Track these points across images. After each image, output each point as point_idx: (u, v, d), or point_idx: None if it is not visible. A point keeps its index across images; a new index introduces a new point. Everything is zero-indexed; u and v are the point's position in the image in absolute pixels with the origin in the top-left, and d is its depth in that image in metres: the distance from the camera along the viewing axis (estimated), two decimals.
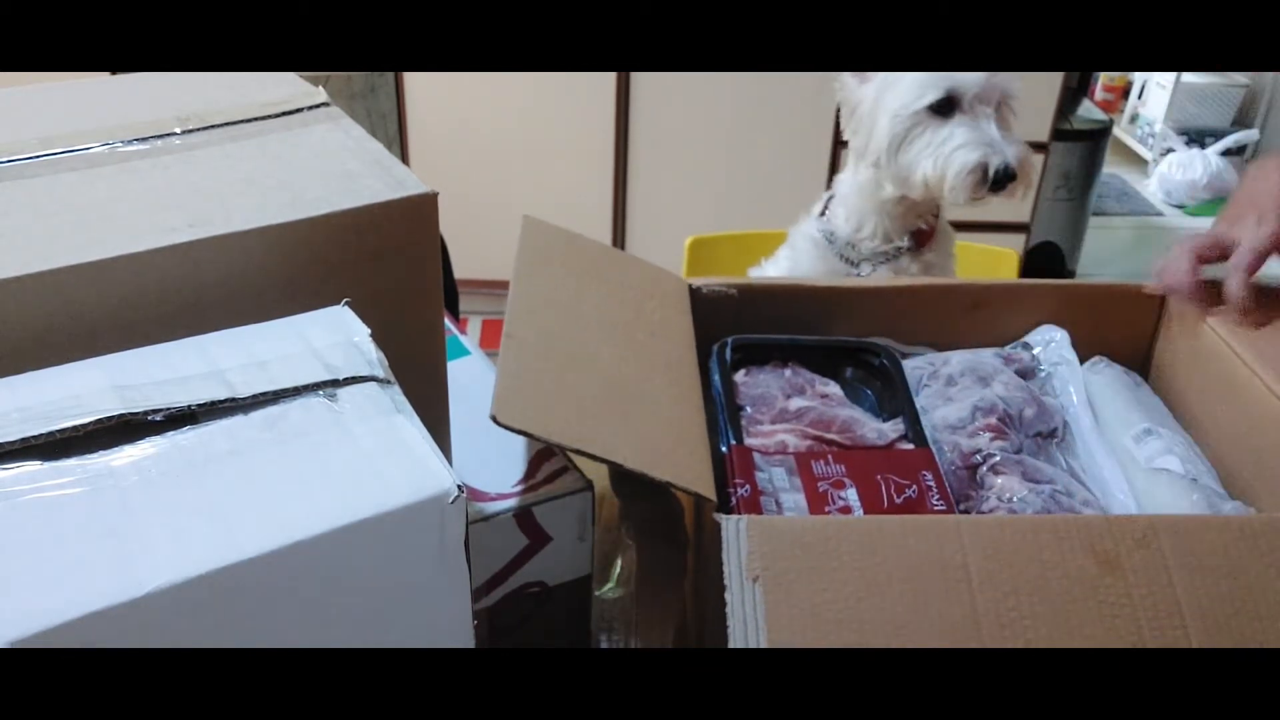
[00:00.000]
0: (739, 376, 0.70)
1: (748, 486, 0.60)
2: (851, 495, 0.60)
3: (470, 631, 0.46)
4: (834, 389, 0.71)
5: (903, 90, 0.92)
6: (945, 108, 0.90)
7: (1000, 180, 0.89)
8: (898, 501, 0.60)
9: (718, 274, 0.79)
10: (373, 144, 0.62)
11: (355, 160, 0.60)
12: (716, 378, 0.68)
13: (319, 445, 0.42)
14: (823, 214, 1.02)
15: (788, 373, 0.71)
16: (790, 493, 0.60)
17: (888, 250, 0.97)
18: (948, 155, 0.90)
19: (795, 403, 0.67)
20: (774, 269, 1.08)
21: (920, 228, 0.98)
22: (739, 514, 0.52)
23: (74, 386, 0.43)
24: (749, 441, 0.64)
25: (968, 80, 0.89)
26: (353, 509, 0.39)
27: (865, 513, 0.59)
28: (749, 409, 0.67)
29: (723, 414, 0.65)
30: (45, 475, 0.39)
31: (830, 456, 0.63)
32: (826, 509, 0.59)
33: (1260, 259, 0.68)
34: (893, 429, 0.66)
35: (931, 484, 0.61)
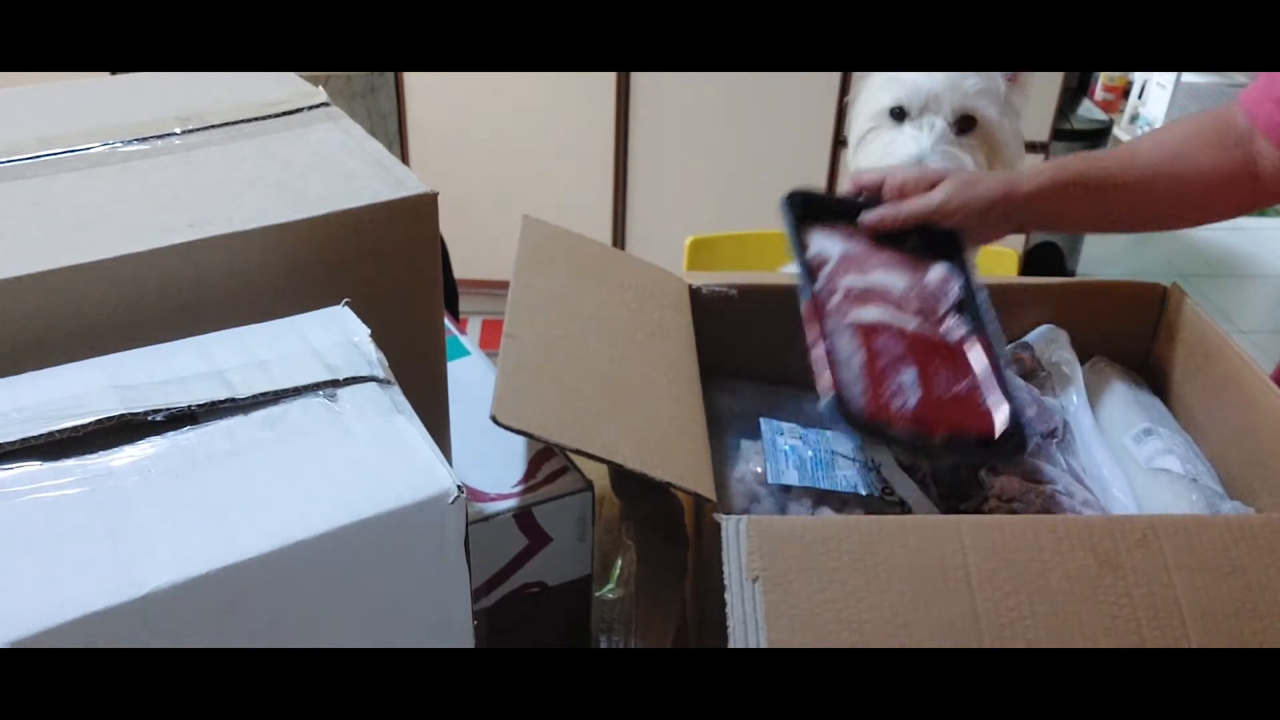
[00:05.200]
0: (816, 232, 0.70)
1: (821, 345, 0.60)
2: (909, 377, 0.60)
3: (470, 631, 0.46)
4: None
5: (869, 92, 0.94)
6: (899, 114, 0.91)
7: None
8: (951, 393, 0.60)
9: (717, 274, 0.79)
10: (373, 144, 0.62)
11: (355, 160, 0.60)
12: (790, 230, 0.68)
13: (319, 445, 0.42)
14: None
15: (864, 241, 0.71)
16: (851, 364, 0.60)
17: None
18: (873, 160, 0.91)
19: (869, 274, 0.67)
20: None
21: None
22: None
23: (74, 386, 0.43)
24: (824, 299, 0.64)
25: (915, 90, 0.90)
26: (353, 509, 0.39)
27: (922, 397, 0.59)
28: (827, 266, 0.67)
29: (802, 264, 0.65)
30: (45, 475, 0.39)
31: (894, 334, 0.62)
32: (882, 388, 0.59)
33: (906, 223, 0.72)
34: (957, 326, 0.65)
35: (983, 381, 0.61)
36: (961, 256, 0.70)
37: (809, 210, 0.71)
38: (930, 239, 0.72)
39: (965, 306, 0.66)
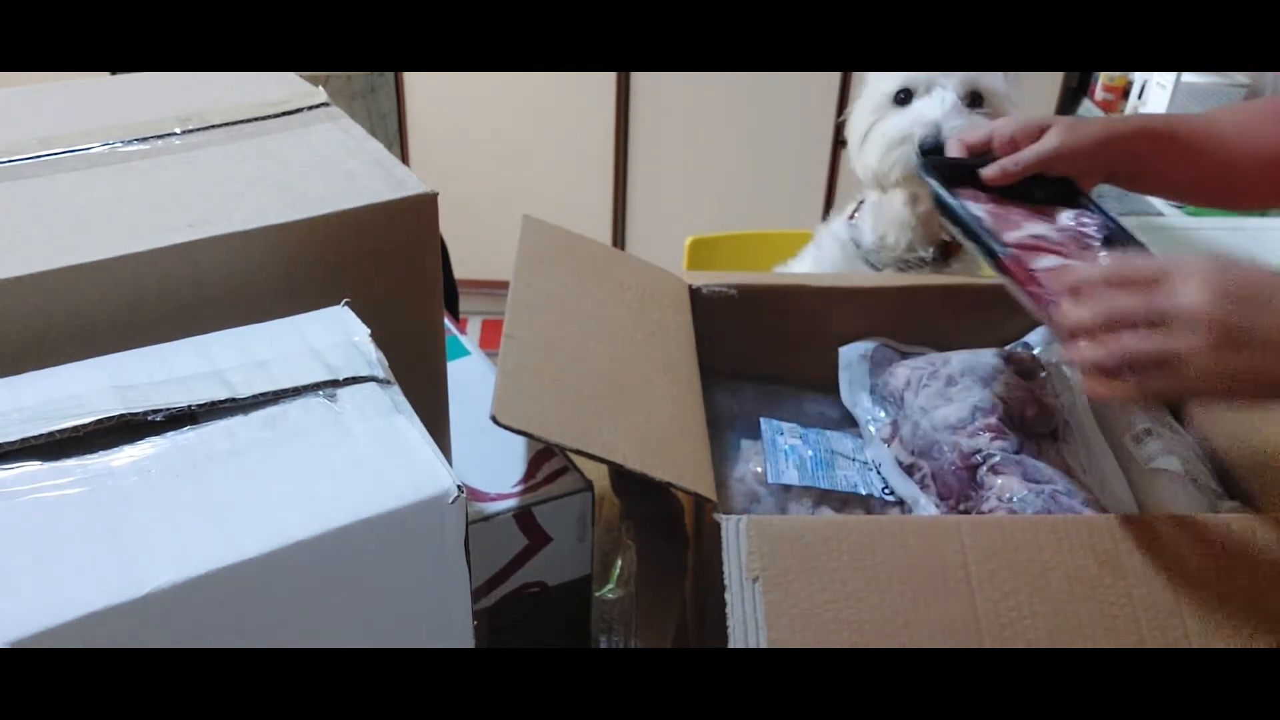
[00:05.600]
0: (968, 196, 0.70)
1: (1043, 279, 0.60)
2: None
3: (470, 631, 0.46)
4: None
5: (868, 87, 0.94)
6: (905, 97, 0.90)
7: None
8: None
9: (718, 274, 0.79)
10: (373, 144, 0.62)
11: (355, 160, 0.60)
12: (945, 194, 0.69)
13: (319, 445, 0.42)
14: (851, 217, 1.01)
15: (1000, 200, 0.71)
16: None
17: (910, 259, 0.96)
18: (884, 134, 0.90)
19: (1022, 228, 0.68)
20: (799, 266, 1.07)
21: (944, 240, 0.95)
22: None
23: (74, 386, 0.43)
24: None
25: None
26: (353, 509, 0.39)
27: None
28: (984, 225, 0.67)
29: (976, 224, 0.66)
30: (45, 475, 0.39)
31: None
32: None
33: (1026, 170, 0.72)
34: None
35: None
36: (1084, 198, 0.71)
37: (946, 172, 0.72)
38: (1047, 188, 0.73)
39: (1113, 240, 0.67)
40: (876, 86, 0.93)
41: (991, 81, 0.90)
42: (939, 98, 0.88)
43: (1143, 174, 0.76)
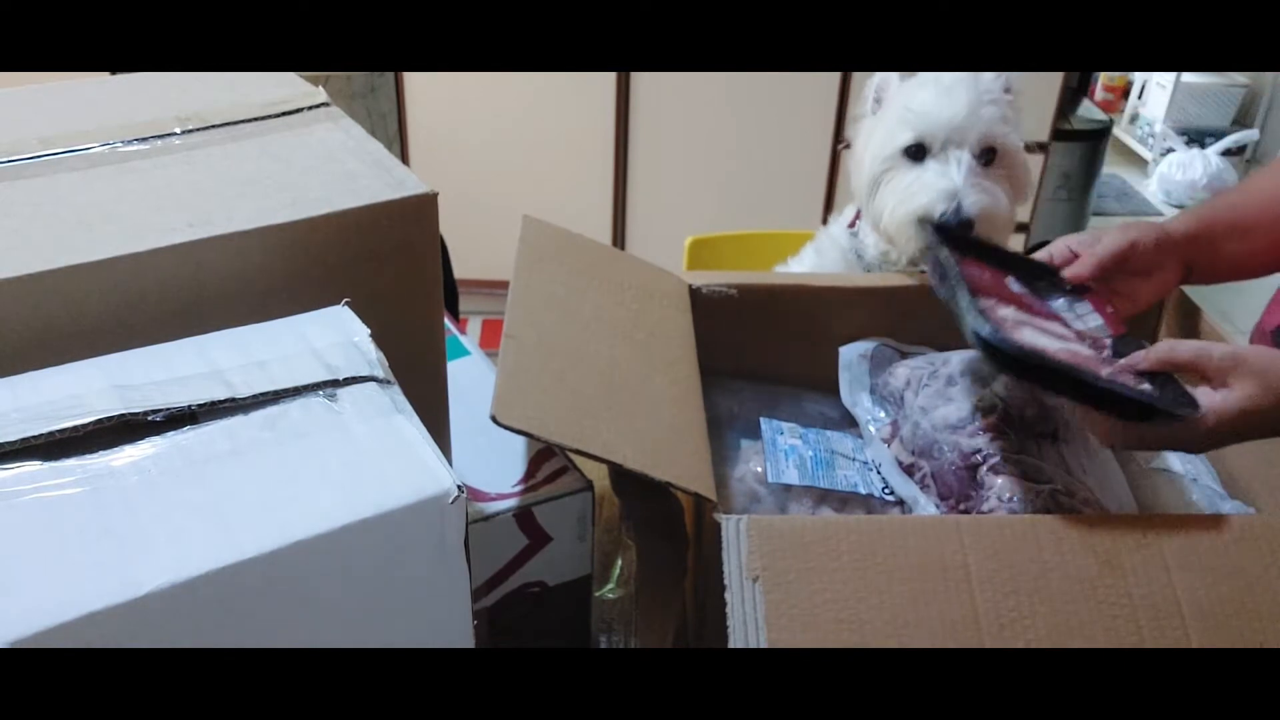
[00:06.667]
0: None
1: None
2: None
3: (470, 631, 0.46)
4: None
5: (880, 133, 0.90)
6: (918, 152, 0.87)
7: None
8: None
9: (718, 274, 0.79)
10: (373, 144, 0.62)
11: (355, 160, 0.60)
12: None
13: (319, 445, 0.42)
14: (852, 225, 1.00)
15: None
16: None
17: (911, 273, 0.94)
18: (900, 199, 0.86)
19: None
20: (799, 266, 1.06)
21: None
22: None
23: (74, 386, 0.43)
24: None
25: (937, 124, 0.85)
26: (353, 509, 0.39)
27: None
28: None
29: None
30: (45, 475, 0.39)
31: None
32: None
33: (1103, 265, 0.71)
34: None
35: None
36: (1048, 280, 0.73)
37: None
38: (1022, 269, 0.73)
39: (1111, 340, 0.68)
40: (888, 136, 0.89)
41: (1006, 137, 0.87)
42: (954, 161, 0.85)
43: (1209, 264, 0.74)
